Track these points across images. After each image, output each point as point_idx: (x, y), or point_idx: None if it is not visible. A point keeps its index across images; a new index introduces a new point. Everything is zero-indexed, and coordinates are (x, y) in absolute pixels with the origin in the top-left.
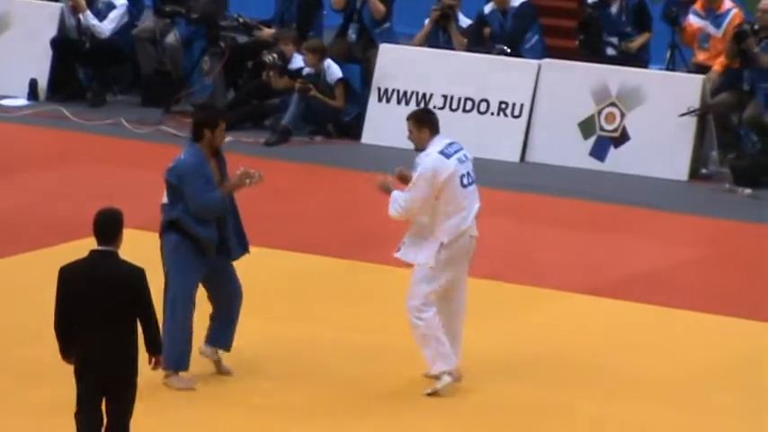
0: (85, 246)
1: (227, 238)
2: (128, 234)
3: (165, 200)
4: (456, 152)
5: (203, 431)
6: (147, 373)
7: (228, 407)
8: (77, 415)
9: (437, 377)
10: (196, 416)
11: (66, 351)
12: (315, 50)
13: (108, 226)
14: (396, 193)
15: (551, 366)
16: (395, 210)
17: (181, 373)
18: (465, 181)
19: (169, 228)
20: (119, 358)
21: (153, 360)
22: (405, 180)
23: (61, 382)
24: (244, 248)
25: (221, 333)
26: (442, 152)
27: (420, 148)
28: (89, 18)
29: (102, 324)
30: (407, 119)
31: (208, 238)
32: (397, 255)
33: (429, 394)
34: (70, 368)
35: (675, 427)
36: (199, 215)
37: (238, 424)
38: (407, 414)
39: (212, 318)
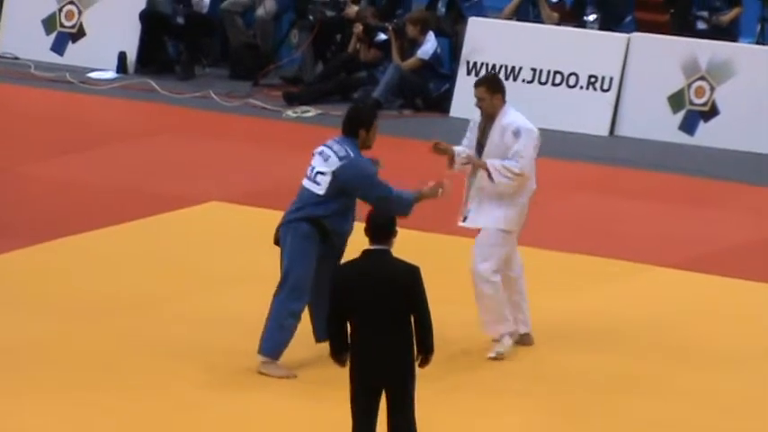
0: (173, 218)
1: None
2: (217, 207)
3: (314, 188)
4: None
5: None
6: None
7: (270, 392)
8: (354, 417)
9: (498, 340)
10: (245, 404)
11: (338, 353)
12: (416, 22)
13: (382, 225)
14: (496, 163)
15: (636, 339)
16: (509, 178)
17: (278, 362)
18: None
19: (307, 220)
20: (397, 359)
21: (420, 359)
22: (443, 152)
23: (155, 352)
24: None
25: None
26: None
27: (492, 113)
28: None
29: (380, 324)
30: (477, 85)
31: (347, 232)
32: (464, 224)
33: (493, 358)
34: (161, 339)
35: (758, 400)
36: (385, 209)
37: (283, 411)
38: (487, 384)
39: (315, 313)
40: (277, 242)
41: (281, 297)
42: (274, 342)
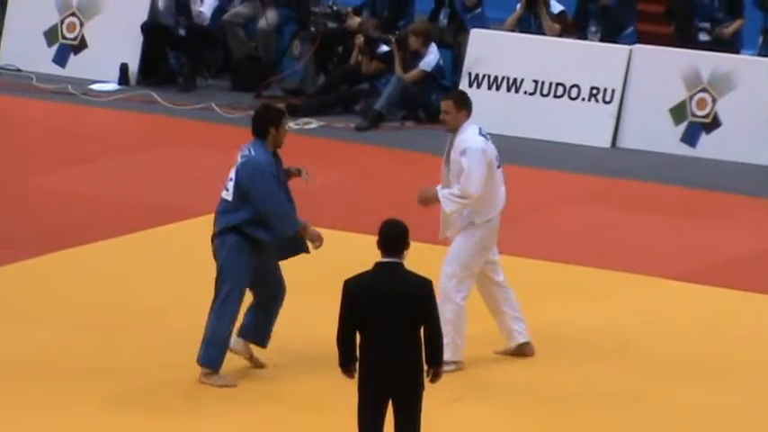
0: (175, 230)
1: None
2: None
3: (226, 195)
4: (486, 135)
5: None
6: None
7: (271, 403)
8: (360, 424)
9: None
10: (243, 416)
11: (347, 364)
12: (419, 34)
13: (395, 238)
14: (445, 191)
15: (638, 352)
16: (455, 202)
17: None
18: (497, 162)
19: (229, 230)
20: (408, 369)
21: (432, 373)
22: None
23: (156, 364)
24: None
25: (258, 328)
26: (480, 134)
27: (453, 129)
28: (197, 4)
29: (391, 336)
30: (445, 98)
31: (269, 240)
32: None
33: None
34: (163, 351)
35: (760, 414)
36: (265, 216)
37: (283, 422)
38: (489, 397)
39: (250, 311)
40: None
41: (214, 309)
42: (212, 353)
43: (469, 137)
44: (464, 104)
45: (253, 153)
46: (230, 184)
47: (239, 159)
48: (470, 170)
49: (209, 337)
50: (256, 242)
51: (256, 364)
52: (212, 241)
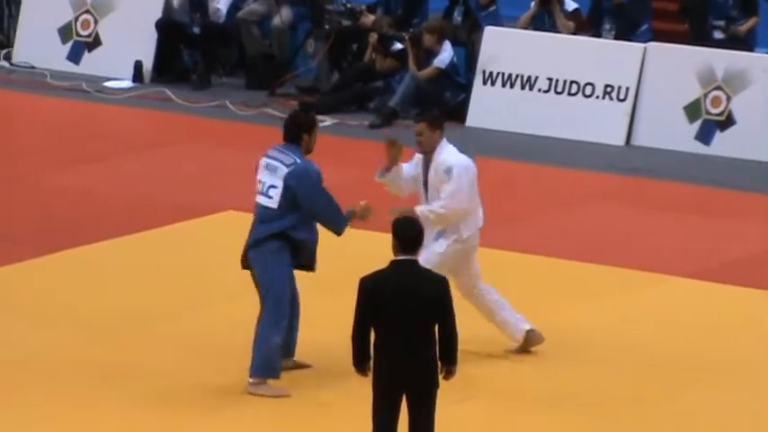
0: (189, 227)
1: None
2: (233, 216)
3: (267, 203)
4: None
5: None
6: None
7: (274, 403)
8: (375, 421)
9: None
10: (243, 416)
11: (361, 362)
12: (433, 31)
13: (410, 236)
14: (424, 209)
15: (652, 351)
16: (434, 213)
17: (270, 382)
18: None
19: (270, 237)
20: (422, 366)
21: (444, 371)
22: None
23: (168, 365)
24: None
25: (284, 343)
26: (460, 151)
27: (429, 150)
28: (215, 1)
29: (406, 333)
30: (419, 120)
31: (315, 242)
32: None
33: None
34: (177, 350)
35: None
36: (317, 219)
37: (283, 422)
38: (491, 398)
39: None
40: (246, 266)
41: (264, 319)
42: (263, 363)
43: (452, 156)
44: (438, 125)
45: (298, 160)
46: (272, 192)
47: (284, 168)
48: (459, 185)
49: (259, 347)
50: (296, 245)
51: (303, 366)
52: (245, 253)
